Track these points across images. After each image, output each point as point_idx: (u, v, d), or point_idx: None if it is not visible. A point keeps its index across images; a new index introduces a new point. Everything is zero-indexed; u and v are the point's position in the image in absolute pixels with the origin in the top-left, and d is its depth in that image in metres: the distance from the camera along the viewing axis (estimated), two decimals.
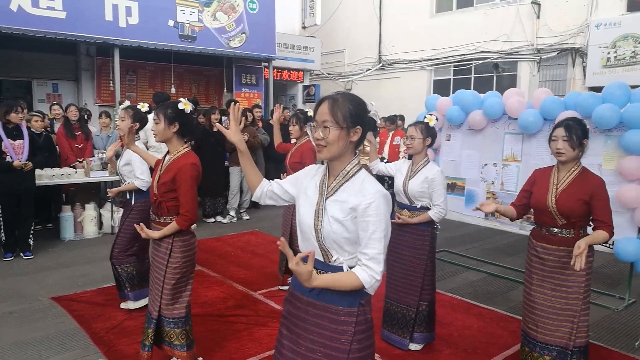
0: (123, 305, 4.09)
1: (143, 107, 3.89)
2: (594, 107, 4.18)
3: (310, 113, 4.45)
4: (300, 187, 1.87)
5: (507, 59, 14.57)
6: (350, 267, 1.71)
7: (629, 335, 3.84)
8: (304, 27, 13.96)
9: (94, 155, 6.67)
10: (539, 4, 13.77)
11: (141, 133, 4.10)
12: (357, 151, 1.79)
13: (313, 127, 1.75)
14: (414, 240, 3.40)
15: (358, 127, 1.71)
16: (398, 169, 3.53)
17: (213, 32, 10.49)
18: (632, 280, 4.47)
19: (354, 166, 1.75)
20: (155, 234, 2.85)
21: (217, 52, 10.56)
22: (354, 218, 1.67)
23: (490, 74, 14.80)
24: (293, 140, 4.64)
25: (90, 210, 6.44)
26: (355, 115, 1.70)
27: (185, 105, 2.87)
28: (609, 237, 2.65)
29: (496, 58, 14.62)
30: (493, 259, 5.72)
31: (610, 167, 4.29)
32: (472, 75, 15.25)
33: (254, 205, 8.52)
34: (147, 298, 3.93)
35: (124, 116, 3.86)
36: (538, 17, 13.77)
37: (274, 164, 8.92)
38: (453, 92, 5.76)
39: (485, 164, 5.26)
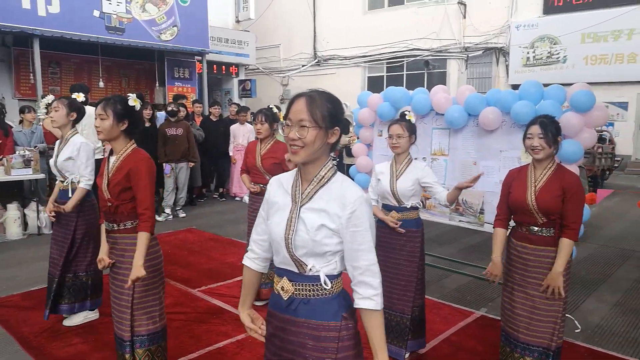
0: (67, 322, 3.75)
1: (79, 96, 3.64)
2: (512, 103, 4.48)
3: (275, 110, 4.28)
4: (270, 204, 1.71)
5: (437, 57, 15.15)
6: (328, 275, 1.61)
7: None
8: (237, 21, 13.83)
9: (15, 152, 6.29)
10: (464, 4, 14.43)
11: (78, 126, 3.85)
12: (332, 154, 1.69)
13: (286, 126, 1.59)
14: (404, 243, 3.25)
15: (336, 127, 1.60)
16: (379, 172, 3.35)
17: (142, 24, 10.17)
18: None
19: (328, 170, 1.63)
20: (137, 261, 2.52)
21: (147, 45, 10.25)
22: (334, 227, 1.57)
23: (422, 71, 15.34)
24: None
25: (13, 210, 6.09)
26: (333, 115, 1.58)
27: (135, 101, 2.70)
28: (574, 241, 2.66)
29: (426, 56, 15.17)
30: (426, 249, 5.98)
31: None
32: (404, 73, 15.74)
33: (190, 203, 8.39)
34: (82, 314, 3.77)
35: (57, 106, 3.61)
36: (464, 17, 14.43)
37: (209, 159, 8.83)
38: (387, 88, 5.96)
39: (416, 158, 5.46)
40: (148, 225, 2.60)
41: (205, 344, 3.48)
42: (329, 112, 1.57)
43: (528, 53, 14.04)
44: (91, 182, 3.58)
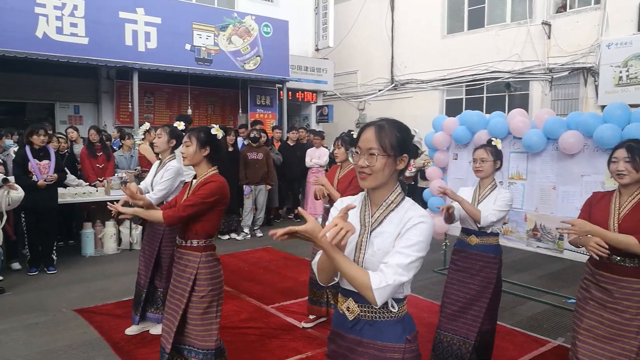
0: (153, 331, 3.96)
1: (179, 125, 3.92)
2: (595, 127, 4.29)
3: (355, 135, 4.49)
4: None
5: (519, 79, 14.68)
6: (394, 299, 1.63)
7: None
8: (317, 49, 14.30)
9: (114, 174, 6.95)
10: (549, 25, 13.93)
11: (177, 152, 4.17)
12: (400, 179, 1.71)
13: (356, 154, 1.65)
14: (481, 268, 3.23)
15: (405, 155, 1.64)
16: (461, 194, 3.37)
17: (228, 55, 10.85)
18: None
19: (397, 195, 1.67)
20: (141, 211, 2.84)
21: (232, 75, 10.90)
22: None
23: (502, 93, 14.91)
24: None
25: (110, 227, 6.69)
26: (402, 142, 1.62)
27: (217, 131, 2.94)
28: (639, 247, 2.43)
29: (508, 78, 14.75)
30: (502, 275, 5.79)
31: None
32: (484, 95, 15.38)
33: (267, 223, 8.71)
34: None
35: (160, 134, 3.98)
36: (549, 37, 13.92)
37: (286, 183, 9.17)
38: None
39: (500, 182, 5.39)
40: (170, 213, 2.77)
41: (277, 358, 3.61)
42: (397, 140, 1.61)
43: (621, 72, 13.20)
44: (156, 197, 3.78)
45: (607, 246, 2.41)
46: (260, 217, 8.08)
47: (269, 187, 8.03)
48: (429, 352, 3.38)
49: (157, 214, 2.80)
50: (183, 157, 2.92)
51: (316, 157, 8.90)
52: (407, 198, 1.69)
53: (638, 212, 2.53)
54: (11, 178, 5.11)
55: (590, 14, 13.48)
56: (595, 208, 2.71)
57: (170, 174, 3.91)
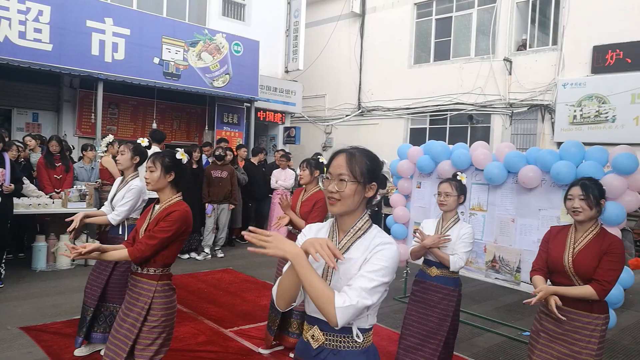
0: (78, 353, 3.83)
1: (143, 141, 3.88)
2: (552, 163, 4.48)
3: (322, 159, 4.41)
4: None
5: (481, 112, 15.19)
6: (360, 329, 1.64)
7: None
8: (286, 71, 14.42)
9: (73, 187, 6.72)
10: (510, 61, 14.54)
11: (140, 169, 4.09)
12: (367, 208, 1.73)
13: (326, 179, 1.67)
14: (439, 300, 3.27)
15: (374, 183, 1.67)
16: (423, 227, 3.46)
17: (197, 71, 10.78)
18: None
19: (365, 222, 1.69)
20: (105, 248, 2.63)
21: (200, 91, 10.83)
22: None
23: (465, 124, 15.38)
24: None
25: (64, 240, 6.43)
26: (371, 170, 1.66)
27: (182, 155, 2.87)
28: (597, 295, 2.56)
29: (470, 110, 15.24)
30: (461, 305, 5.87)
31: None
32: (448, 125, 15.81)
33: (229, 243, 8.58)
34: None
35: (124, 150, 3.88)
36: (510, 73, 14.51)
37: (254, 202, 9.09)
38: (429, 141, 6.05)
39: (462, 212, 5.51)
40: (135, 251, 2.64)
41: None
42: (367, 168, 1.65)
43: (575, 111, 13.86)
44: (118, 219, 3.76)
45: (559, 304, 2.59)
46: (222, 237, 7.95)
47: (232, 206, 7.94)
48: None
49: (123, 254, 2.69)
50: (147, 182, 2.83)
51: (282, 178, 8.88)
52: (374, 225, 1.71)
53: (591, 249, 2.65)
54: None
55: (548, 54, 14.17)
56: (552, 243, 2.82)
57: (132, 194, 3.82)
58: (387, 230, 6.07)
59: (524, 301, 2.69)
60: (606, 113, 13.64)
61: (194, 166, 7.65)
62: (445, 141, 11.60)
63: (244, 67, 11.53)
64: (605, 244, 2.62)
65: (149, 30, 9.96)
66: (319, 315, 1.64)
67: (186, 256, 7.56)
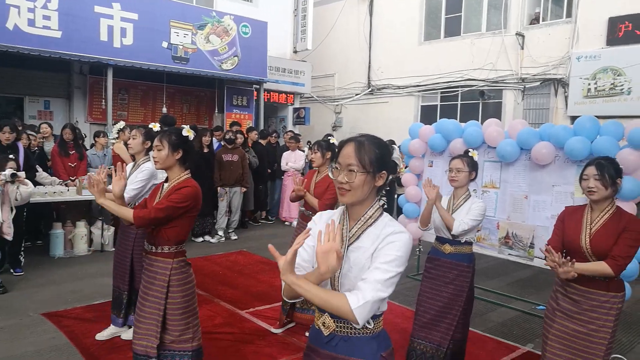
0: (125, 336, 3.92)
1: (155, 126, 3.82)
2: (566, 139, 4.42)
3: (333, 140, 4.39)
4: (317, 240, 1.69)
5: (493, 87, 14.97)
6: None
7: None
8: (295, 52, 14.31)
9: (86, 174, 6.79)
10: (523, 36, 14.26)
11: (152, 154, 4.10)
12: (379, 196, 1.71)
13: (335, 170, 1.65)
14: (454, 277, 3.28)
15: (384, 171, 1.64)
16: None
17: (206, 54, 10.74)
18: None
19: (376, 210, 1.67)
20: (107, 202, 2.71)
21: (209, 74, 10.80)
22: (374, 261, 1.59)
23: (477, 101, 15.19)
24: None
25: (80, 227, 6.53)
26: (381, 159, 1.63)
27: (188, 132, 2.85)
28: (611, 271, 2.53)
29: (482, 86, 15.03)
30: (474, 281, 5.89)
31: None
32: (459, 102, 15.63)
33: (242, 226, 8.65)
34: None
35: (135, 135, 3.92)
36: (522, 48, 14.24)
37: (264, 185, 9.13)
38: (440, 118, 6.00)
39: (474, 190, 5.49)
40: (140, 213, 2.66)
41: None
42: (376, 157, 1.62)
43: (589, 84, 13.62)
44: (127, 197, 3.63)
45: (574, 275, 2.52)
46: (235, 219, 8.01)
47: (244, 189, 7.98)
48: (405, 358, 3.41)
49: (128, 212, 2.71)
50: (155, 161, 2.83)
51: (292, 160, 8.89)
52: (385, 214, 1.69)
53: (608, 229, 2.62)
54: (21, 173, 4.96)
55: (562, 27, 13.86)
56: (567, 223, 2.80)
57: (144, 175, 3.84)
58: (400, 210, 6.07)
59: (545, 262, 2.67)
60: (621, 85, 13.37)
61: (205, 150, 7.67)
62: (456, 118, 11.44)
63: (252, 49, 11.46)
64: (622, 223, 2.60)
65: (156, 14, 9.92)
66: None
67: (200, 239, 7.65)
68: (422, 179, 5.96)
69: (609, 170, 2.62)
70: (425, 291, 3.40)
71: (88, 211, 6.89)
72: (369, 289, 1.53)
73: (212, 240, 7.66)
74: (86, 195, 6.36)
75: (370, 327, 1.65)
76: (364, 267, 1.60)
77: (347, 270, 1.62)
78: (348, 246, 1.65)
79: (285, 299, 1.73)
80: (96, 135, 7.51)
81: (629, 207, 4.11)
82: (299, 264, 1.79)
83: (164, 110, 11.36)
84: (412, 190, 5.92)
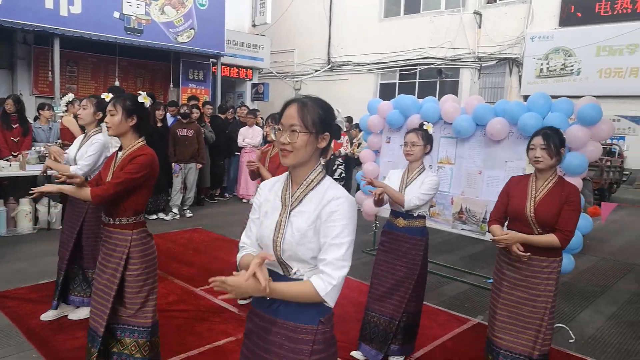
0: (72, 316, 3.79)
1: (107, 96, 3.54)
2: (520, 115, 4.51)
3: None
4: (261, 208, 1.74)
5: (450, 65, 15.15)
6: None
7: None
8: (254, 26, 13.98)
9: (31, 148, 6.45)
10: (480, 14, 14.43)
11: (103, 125, 3.91)
12: (321, 158, 1.71)
13: (278, 131, 1.64)
14: (407, 250, 3.30)
15: (326, 133, 1.64)
16: (389, 178, 3.44)
17: (160, 26, 10.34)
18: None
19: (318, 174, 1.67)
20: (51, 187, 2.71)
21: (164, 47, 10.42)
22: (317, 227, 1.59)
23: (434, 79, 15.35)
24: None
25: (24, 204, 6.22)
26: (324, 120, 1.63)
27: (144, 99, 2.74)
28: (560, 244, 2.65)
29: (440, 64, 15.17)
30: (429, 256, 6.01)
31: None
32: (417, 80, 15.74)
33: (198, 203, 8.49)
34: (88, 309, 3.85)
35: (86, 105, 3.72)
36: (479, 26, 14.42)
37: (221, 159, 8.96)
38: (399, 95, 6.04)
39: (430, 166, 5.54)
40: (98, 191, 2.56)
41: (205, 342, 3.53)
42: (319, 118, 1.61)
43: (542, 64, 14.00)
44: (82, 172, 3.57)
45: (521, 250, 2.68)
46: (190, 196, 7.84)
47: (200, 165, 7.80)
48: (357, 332, 3.45)
49: (85, 192, 2.58)
50: (107, 127, 2.68)
51: (249, 136, 8.74)
52: (327, 177, 1.69)
53: (552, 197, 2.72)
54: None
55: (518, 7, 14.10)
56: (512, 192, 2.87)
57: (95, 148, 3.68)
58: (358, 186, 6.08)
59: (492, 238, 2.79)
60: (572, 66, 13.82)
61: (159, 125, 7.43)
62: (414, 96, 11.53)
63: (209, 22, 11.11)
64: (564, 193, 2.70)
65: None
66: (273, 267, 1.66)
67: (154, 217, 7.45)
68: (380, 156, 5.98)
69: (554, 139, 2.71)
70: (380, 264, 3.43)
71: (33, 187, 6.56)
72: (332, 270, 1.55)
73: (167, 218, 7.48)
74: (31, 170, 6.05)
75: None
76: (306, 233, 1.59)
77: (289, 236, 1.61)
78: (290, 211, 1.65)
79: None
80: (40, 107, 7.11)
81: (576, 182, 4.25)
82: (245, 242, 1.79)
83: (117, 83, 10.92)
84: (369, 167, 5.93)
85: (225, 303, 4.26)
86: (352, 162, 9.38)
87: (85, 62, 10.89)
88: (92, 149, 3.67)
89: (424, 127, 3.38)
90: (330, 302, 1.57)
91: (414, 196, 3.21)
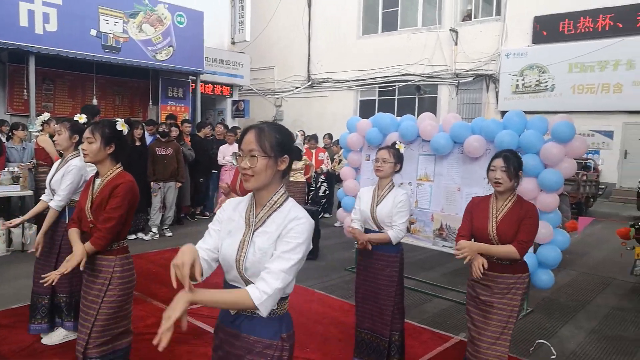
0: (46, 341, 3.71)
1: (80, 118, 3.55)
2: (496, 132, 4.58)
3: None
4: (224, 226, 1.80)
5: (428, 82, 15.36)
6: None
7: (525, 341, 4.21)
8: (233, 43, 14.02)
9: (5, 169, 6.31)
10: (456, 32, 14.72)
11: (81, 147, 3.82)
12: (283, 181, 1.77)
13: (239, 156, 1.70)
14: (382, 267, 3.33)
15: (285, 156, 1.70)
16: (360, 196, 3.47)
17: (139, 43, 10.30)
18: (530, 291, 4.90)
19: (280, 195, 1.73)
20: (72, 262, 2.52)
21: (142, 65, 10.37)
22: (277, 245, 1.65)
23: (413, 96, 15.54)
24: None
25: None
26: (282, 144, 1.69)
27: (123, 126, 2.73)
28: (517, 254, 2.74)
29: (418, 81, 15.38)
30: (410, 273, 6.02)
31: None
32: (396, 97, 15.92)
33: (178, 222, 8.38)
34: (62, 333, 3.72)
35: (60, 130, 3.64)
36: (456, 43, 14.70)
37: (200, 177, 8.88)
38: (378, 113, 6.09)
39: (402, 183, 5.57)
40: (99, 241, 2.57)
41: None
42: (277, 142, 1.68)
43: (517, 81, 14.31)
44: (62, 204, 3.53)
45: (485, 267, 2.75)
46: (170, 215, 7.75)
47: (179, 184, 7.72)
48: (344, 352, 3.48)
49: (90, 250, 2.58)
50: (84, 154, 2.66)
51: (229, 154, 8.69)
52: (290, 199, 1.76)
53: (512, 216, 2.83)
54: None
55: (492, 24, 14.44)
56: (475, 213, 2.98)
57: (72, 176, 3.58)
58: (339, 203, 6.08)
59: (454, 252, 2.90)
60: (546, 82, 14.15)
61: (137, 143, 7.35)
62: (393, 112, 11.60)
63: (188, 39, 11.12)
64: (523, 210, 2.82)
65: (83, 0, 9.37)
66: (237, 283, 1.72)
67: (133, 237, 7.33)
68: (360, 173, 6.00)
69: (513, 162, 2.82)
70: (360, 282, 3.47)
71: (7, 208, 6.42)
72: (272, 279, 1.59)
73: (146, 238, 7.37)
74: (3, 191, 5.91)
75: (274, 309, 1.70)
76: (267, 251, 1.65)
77: (251, 255, 1.67)
78: (254, 231, 1.70)
79: None
80: (14, 127, 7.00)
81: (552, 198, 4.33)
82: (203, 249, 1.79)
83: (95, 101, 10.81)
84: (350, 184, 5.94)
85: (205, 325, 4.19)
86: (334, 179, 9.40)
87: (62, 80, 10.76)
88: (68, 177, 3.58)
89: (396, 146, 3.43)
90: (264, 311, 1.59)
91: (398, 230, 3.26)
